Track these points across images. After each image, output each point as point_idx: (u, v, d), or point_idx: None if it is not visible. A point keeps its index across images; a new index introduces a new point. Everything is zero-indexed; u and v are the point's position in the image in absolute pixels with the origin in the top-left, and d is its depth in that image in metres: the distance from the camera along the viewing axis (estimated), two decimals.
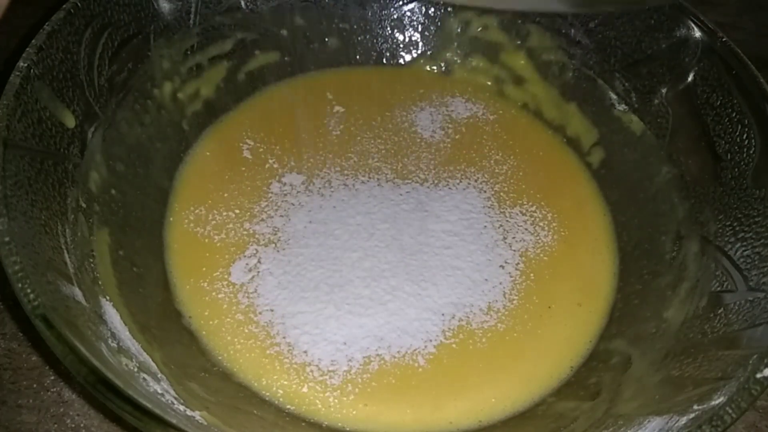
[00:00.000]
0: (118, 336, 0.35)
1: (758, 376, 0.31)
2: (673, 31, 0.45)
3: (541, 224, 0.48)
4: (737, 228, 0.39)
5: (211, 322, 0.42)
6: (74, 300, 0.33)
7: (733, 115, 0.41)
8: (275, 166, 0.49)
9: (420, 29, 0.56)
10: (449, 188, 0.49)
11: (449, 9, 0.55)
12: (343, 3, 0.54)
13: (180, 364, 0.38)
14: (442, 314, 0.43)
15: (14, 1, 0.58)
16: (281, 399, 0.39)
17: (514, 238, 0.47)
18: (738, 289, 0.37)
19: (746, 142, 0.40)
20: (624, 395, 0.38)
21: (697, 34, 0.43)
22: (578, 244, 0.47)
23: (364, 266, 0.44)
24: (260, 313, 0.42)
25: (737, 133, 0.40)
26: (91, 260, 0.38)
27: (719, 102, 0.42)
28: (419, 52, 0.57)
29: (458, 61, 0.56)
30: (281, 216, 0.47)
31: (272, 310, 0.42)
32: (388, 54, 0.57)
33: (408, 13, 0.56)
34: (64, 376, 0.41)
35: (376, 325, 0.42)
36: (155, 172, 0.47)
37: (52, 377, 0.41)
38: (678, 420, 0.32)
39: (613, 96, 0.50)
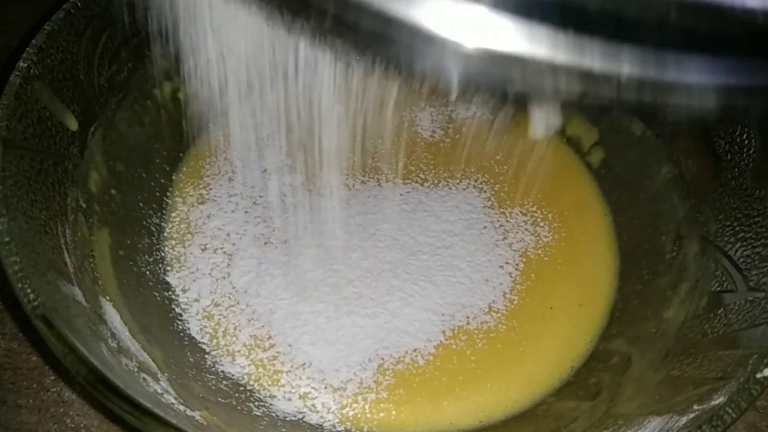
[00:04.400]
0: (118, 336, 0.35)
1: (758, 376, 0.31)
2: None
3: (541, 224, 0.48)
4: (737, 228, 0.39)
5: (211, 323, 0.42)
6: (74, 300, 0.33)
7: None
8: (275, 166, 0.49)
9: None
10: (449, 188, 0.49)
11: None
12: None
13: (180, 364, 0.38)
14: (443, 314, 0.43)
15: (14, 1, 0.58)
16: (281, 399, 0.39)
17: (514, 238, 0.47)
18: (738, 289, 0.37)
19: (746, 142, 0.40)
20: (624, 395, 0.38)
21: None
22: (579, 245, 0.47)
23: (364, 266, 0.44)
24: (260, 313, 0.42)
25: (737, 133, 0.40)
26: (91, 260, 0.38)
27: None
28: None
29: None
30: (281, 216, 0.47)
31: (272, 311, 0.42)
32: None
33: None
34: (64, 376, 0.41)
35: (376, 325, 0.42)
36: (155, 172, 0.47)
37: (52, 377, 0.41)
38: (678, 420, 0.32)
39: None
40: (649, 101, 0.17)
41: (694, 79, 0.17)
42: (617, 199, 0.49)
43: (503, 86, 0.18)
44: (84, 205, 0.39)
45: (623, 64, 0.17)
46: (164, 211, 0.46)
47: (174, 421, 0.28)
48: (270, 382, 0.40)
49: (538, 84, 0.17)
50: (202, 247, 0.45)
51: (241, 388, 0.40)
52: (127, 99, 0.44)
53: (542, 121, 0.23)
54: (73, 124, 0.39)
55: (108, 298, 0.37)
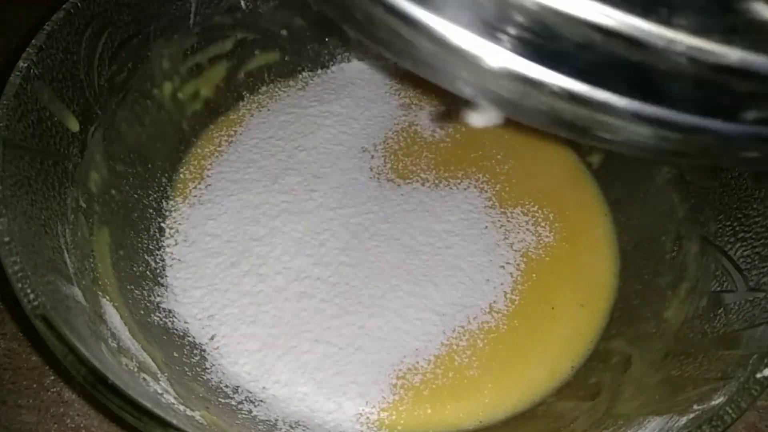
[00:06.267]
0: (118, 336, 0.35)
1: (758, 376, 0.31)
2: None
3: (542, 224, 0.48)
4: (737, 228, 0.39)
5: (211, 322, 0.42)
6: (74, 300, 0.33)
7: None
8: (275, 166, 0.49)
9: None
10: (450, 188, 0.49)
11: None
12: None
13: (180, 364, 0.38)
14: (443, 314, 0.43)
15: (14, 1, 0.58)
16: (281, 400, 0.39)
17: (515, 238, 0.47)
18: (738, 289, 0.37)
19: None
20: (624, 395, 0.38)
21: None
22: (579, 245, 0.47)
23: (364, 266, 0.44)
24: (260, 313, 0.42)
25: None
26: (91, 260, 0.38)
27: None
28: None
29: None
30: (281, 217, 0.47)
31: (272, 311, 0.42)
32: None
33: None
34: (64, 376, 0.41)
35: (377, 326, 0.42)
36: (155, 172, 0.47)
37: (52, 377, 0.41)
38: (678, 420, 0.32)
39: None
40: (584, 116, 0.18)
41: (625, 105, 0.18)
42: (617, 199, 0.49)
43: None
44: (84, 205, 0.39)
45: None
46: (164, 211, 0.46)
47: (174, 421, 0.28)
48: (270, 383, 0.40)
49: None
50: (203, 247, 0.45)
51: (241, 389, 0.40)
52: (127, 99, 0.44)
53: (486, 112, 0.24)
54: (73, 125, 0.39)
55: (108, 298, 0.37)
